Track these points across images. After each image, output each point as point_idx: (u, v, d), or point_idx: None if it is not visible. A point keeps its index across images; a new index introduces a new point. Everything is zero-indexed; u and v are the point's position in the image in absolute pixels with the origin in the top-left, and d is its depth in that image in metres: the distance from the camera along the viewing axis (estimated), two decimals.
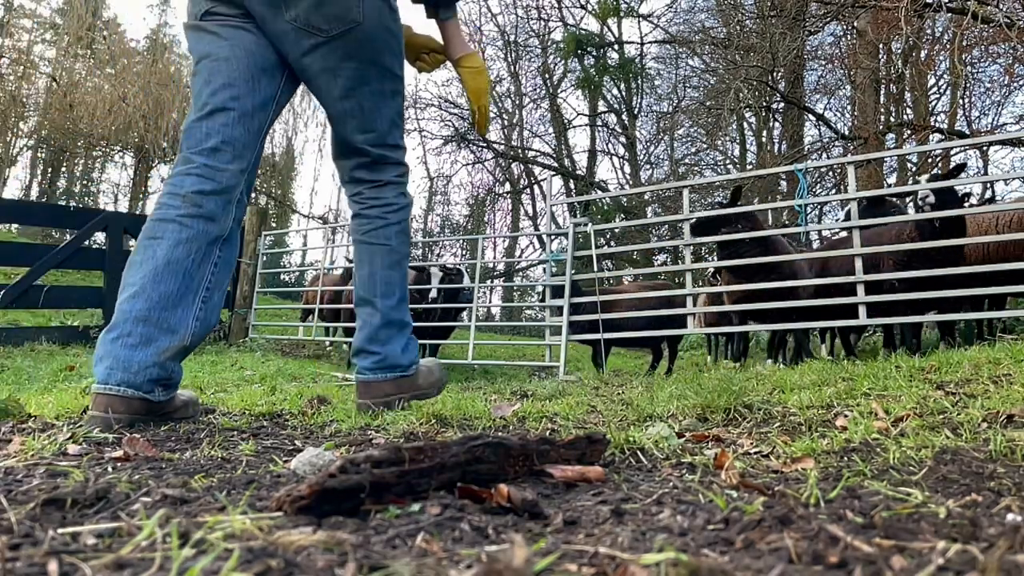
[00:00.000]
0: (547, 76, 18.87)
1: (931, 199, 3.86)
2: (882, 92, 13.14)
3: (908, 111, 13.86)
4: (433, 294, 5.46)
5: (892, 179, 12.88)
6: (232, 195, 1.59)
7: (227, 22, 1.60)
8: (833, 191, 11.82)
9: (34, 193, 23.62)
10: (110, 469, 1.02)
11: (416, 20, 2.03)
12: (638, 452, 1.17)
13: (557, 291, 4.99)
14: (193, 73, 1.64)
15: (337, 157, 1.84)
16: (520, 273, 18.24)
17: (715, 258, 5.26)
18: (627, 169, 19.30)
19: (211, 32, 1.61)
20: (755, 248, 4.26)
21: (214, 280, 1.58)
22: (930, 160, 12.24)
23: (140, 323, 1.46)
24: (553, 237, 5.36)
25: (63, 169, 24.80)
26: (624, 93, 18.84)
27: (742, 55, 11.59)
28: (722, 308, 4.45)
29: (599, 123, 19.65)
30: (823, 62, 13.28)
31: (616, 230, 15.00)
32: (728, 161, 17.52)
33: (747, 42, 11.65)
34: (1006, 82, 11.31)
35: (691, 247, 4.60)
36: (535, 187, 19.89)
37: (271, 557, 0.55)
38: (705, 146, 17.20)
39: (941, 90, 14.07)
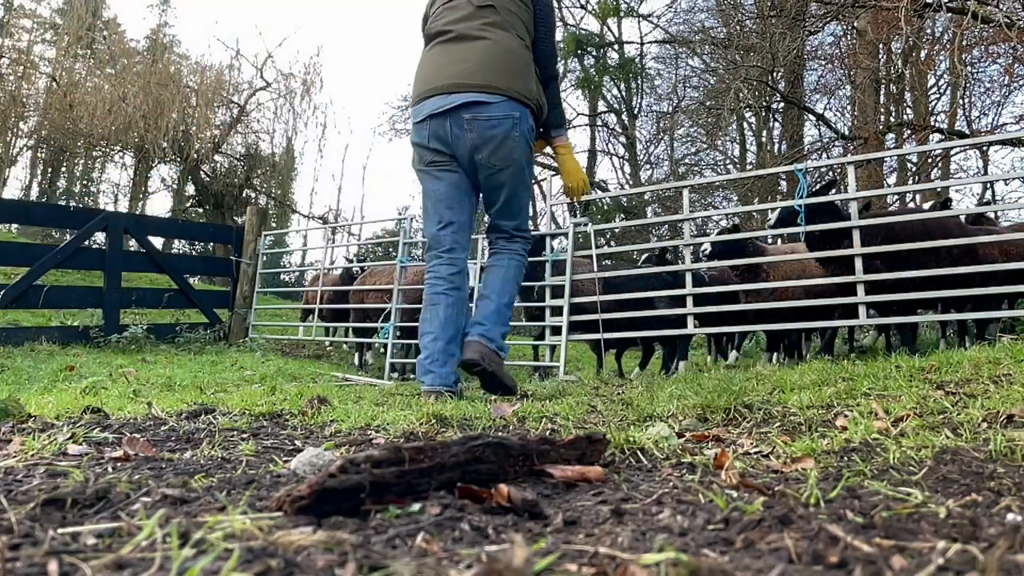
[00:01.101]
0: None
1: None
2: (882, 92, 13.13)
3: (908, 111, 13.84)
4: None
5: (892, 179, 12.87)
6: (465, 269, 2.60)
7: (443, 167, 2.53)
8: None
9: (34, 193, 23.59)
10: (110, 469, 1.02)
11: None
12: (638, 452, 1.17)
13: (557, 291, 4.98)
14: (424, 196, 2.61)
15: (488, 231, 2.69)
16: None
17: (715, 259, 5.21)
18: (627, 169, 19.26)
19: (434, 176, 2.55)
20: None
21: (464, 319, 2.54)
22: (930, 160, 12.23)
23: (442, 353, 2.43)
24: (553, 237, 5.34)
25: (63, 169, 24.74)
26: (624, 93, 18.80)
27: (742, 55, 11.57)
28: (717, 308, 4.45)
29: (599, 123, 19.60)
30: (823, 62, 13.25)
31: (616, 230, 15.00)
32: (728, 161, 17.50)
33: (747, 42, 11.62)
34: (1006, 82, 11.29)
35: (691, 247, 4.60)
36: (535, 187, 19.86)
37: (271, 557, 0.55)
38: (705, 146, 17.17)
39: (941, 90, 14.05)
